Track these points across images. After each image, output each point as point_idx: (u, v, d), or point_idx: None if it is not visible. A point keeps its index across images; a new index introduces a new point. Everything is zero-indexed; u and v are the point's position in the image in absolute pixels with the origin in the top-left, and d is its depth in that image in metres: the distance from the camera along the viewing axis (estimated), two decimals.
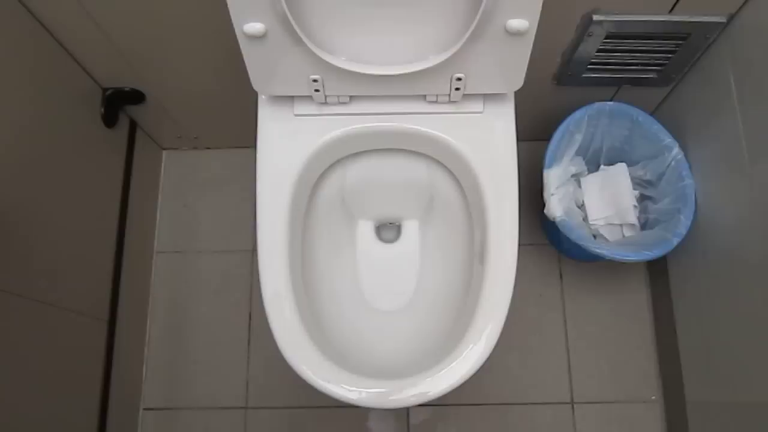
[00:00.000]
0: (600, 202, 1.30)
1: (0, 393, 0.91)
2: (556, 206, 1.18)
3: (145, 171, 1.42)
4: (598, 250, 1.13)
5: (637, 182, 1.29)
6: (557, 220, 1.17)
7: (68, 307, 1.08)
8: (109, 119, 1.22)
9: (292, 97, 0.98)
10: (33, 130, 1.01)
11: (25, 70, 0.99)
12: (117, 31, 1.04)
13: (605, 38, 1.06)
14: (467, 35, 0.83)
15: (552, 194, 1.19)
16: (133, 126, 1.34)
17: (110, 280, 1.24)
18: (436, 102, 0.98)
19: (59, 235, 1.08)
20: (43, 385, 1.02)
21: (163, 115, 1.33)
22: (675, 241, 1.13)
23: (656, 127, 1.20)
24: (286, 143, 0.98)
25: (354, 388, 0.85)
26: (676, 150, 1.18)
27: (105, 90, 1.20)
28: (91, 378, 1.17)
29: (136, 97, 1.23)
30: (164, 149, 1.53)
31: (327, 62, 0.87)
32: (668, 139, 1.19)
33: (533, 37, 0.85)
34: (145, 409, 1.37)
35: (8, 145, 0.94)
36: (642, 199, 1.29)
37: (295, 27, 0.81)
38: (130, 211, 1.31)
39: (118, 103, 1.24)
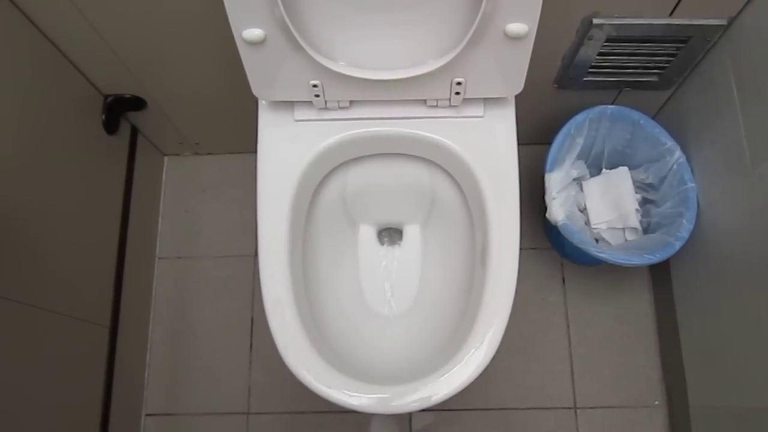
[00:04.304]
0: (602, 205, 1.30)
1: (2, 399, 0.92)
2: (557, 210, 1.17)
3: (147, 177, 1.42)
4: (600, 254, 1.13)
5: (639, 186, 1.28)
6: (559, 224, 1.16)
7: (70, 313, 1.08)
8: (110, 126, 1.23)
9: (292, 103, 0.99)
10: (34, 137, 1.01)
11: (26, 78, 0.99)
12: (117, 39, 1.04)
13: (606, 42, 1.06)
14: (466, 39, 0.83)
15: (554, 198, 1.18)
16: (134, 132, 1.35)
17: (112, 286, 1.24)
18: (436, 106, 0.98)
19: (61, 242, 1.08)
20: (44, 392, 1.02)
21: (164, 122, 1.33)
22: (677, 245, 1.13)
23: (658, 131, 1.20)
24: (286, 148, 0.98)
25: (355, 394, 0.84)
26: (678, 153, 1.18)
27: (106, 97, 1.20)
28: (93, 384, 1.17)
29: (137, 103, 1.23)
30: (166, 155, 1.53)
31: (326, 67, 0.87)
32: (670, 143, 1.19)
33: (533, 41, 0.85)
34: (147, 415, 1.37)
35: (9, 153, 0.95)
36: (644, 202, 1.28)
37: (294, 33, 0.81)
38: (131, 217, 1.31)
39: (119, 110, 1.25)
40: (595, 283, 1.42)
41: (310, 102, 0.96)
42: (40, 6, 0.96)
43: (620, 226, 1.28)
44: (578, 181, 1.32)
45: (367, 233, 1.18)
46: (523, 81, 0.93)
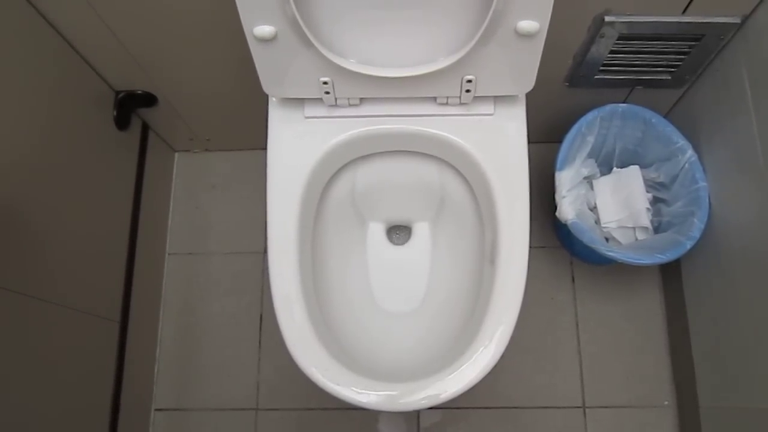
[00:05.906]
0: (612, 204, 1.29)
1: (13, 393, 0.92)
2: (568, 209, 1.17)
3: (158, 173, 1.43)
4: (610, 253, 1.13)
5: (650, 185, 1.28)
6: (569, 222, 1.16)
7: (81, 308, 1.09)
8: (122, 122, 1.23)
9: (302, 100, 0.99)
10: (46, 133, 1.02)
11: (39, 73, 1.00)
12: (129, 35, 1.05)
13: (617, 39, 1.05)
14: (477, 37, 0.82)
15: (564, 196, 1.18)
16: (145, 128, 1.35)
17: (122, 281, 1.25)
18: (446, 104, 0.97)
19: (72, 237, 1.09)
20: (55, 386, 1.02)
21: (175, 118, 1.34)
22: (688, 245, 1.12)
23: (669, 129, 1.19)
24: (296, 145, 0.98)
25: (364, 391, 0.85)
26: (689, 152, 1.17)
27: (117, 93, 1.21)
28: (103, 379, 1.18)
29: (149, 100, 1.24)
30: (176, 151, 1.54)
31: (337, 65, 0.87)
32: (682, 142, 1.18)
33: (544, 39, 0.85)
34: (156, 409, 1.38)
35: (22, 148, 0.95)
36: (655, 201, 1.27)
37: (305, 30, 0.81)
38: (142, 212, 1.32)
39: (131, 106, 1.25)
40: (605, 282, 1.42)
41: (321, 99, 0.96)
42: (54, 3, 0.97)
43: (631, 225, 1.27)
44: (589, 179, 1.32)
45: (376, 231, 1.18)
46: (534, 79, 0.92)
